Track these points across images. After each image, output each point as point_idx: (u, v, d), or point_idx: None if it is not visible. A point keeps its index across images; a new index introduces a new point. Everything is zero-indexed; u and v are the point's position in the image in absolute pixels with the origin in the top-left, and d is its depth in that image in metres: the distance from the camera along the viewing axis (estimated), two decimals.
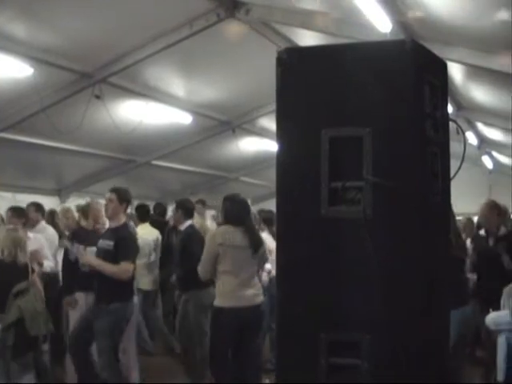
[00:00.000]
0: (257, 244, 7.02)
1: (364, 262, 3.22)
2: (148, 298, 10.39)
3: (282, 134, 3.53)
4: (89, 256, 7.46)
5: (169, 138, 16.63)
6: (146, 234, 10.28)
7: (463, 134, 3.75)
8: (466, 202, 7.41)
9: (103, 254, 7.35)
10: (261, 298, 7.10)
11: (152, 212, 12.29)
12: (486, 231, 8.95)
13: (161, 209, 12.85)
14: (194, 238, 8.57)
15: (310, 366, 3.40)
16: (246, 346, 7.13)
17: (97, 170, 17.59)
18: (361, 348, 3.31)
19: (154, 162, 18.29)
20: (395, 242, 3.27)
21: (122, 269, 7.24)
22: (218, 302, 6.93)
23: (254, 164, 21.10)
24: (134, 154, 17.44)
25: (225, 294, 6.89)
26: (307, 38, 11.70)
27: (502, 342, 5.49)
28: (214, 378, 7.21)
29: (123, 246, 7.35)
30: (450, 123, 3.77)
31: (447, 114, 3.73)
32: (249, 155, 19.88)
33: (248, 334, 7.06)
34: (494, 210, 8.65)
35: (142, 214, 11.10)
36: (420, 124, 3.34)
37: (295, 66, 3.51)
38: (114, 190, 7.61)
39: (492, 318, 5.61)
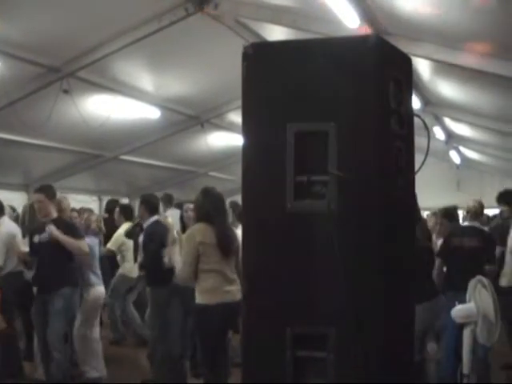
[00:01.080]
0: (227, 243, 6.98)
1: (329, 255, 3.24)
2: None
3: (247, 129, 3.55)
4: (56, 232, 7.68)
5: (137, 132, 16.58)
6: None
7: (427, 129, 3.78)
8: (434, 197, 7.47)
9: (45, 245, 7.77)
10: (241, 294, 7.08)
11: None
12: None
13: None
14: (155, 235, 8.53)
15: (276, 359, 3.42)
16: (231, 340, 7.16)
17: (65, 164, 17.47)
18: (327, 341, 3.33)
19: (123, 157, 18.23)
20: (360, 236, 3.30)
21: (82, 244, 7.85)
22: (202, 300, 6.82)
23: (223, 159, 21.09)
24: (102, 148, 17.37)
25: (210, 291, 6.77)
26: (276, 33, 11.71)
27: (467, 334, 5.52)
28: (207, 377, 7.17)
29: (69, 230, 7.85)
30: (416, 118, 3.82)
31: (412, 109, 3.76)
32: (218, 150, 19.87)
33: (234, 329, 7.04)
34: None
35: (127, 214, 11.08)
36: (384, 119, 3.37)
37: (261, 61, 3.52)
38: (41, 190, 7.99)
39: (458, 310, 5.63)
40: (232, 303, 6.76)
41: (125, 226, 10.55)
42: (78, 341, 8.45)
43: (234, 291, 6.83)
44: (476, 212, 8.64)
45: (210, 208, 6.93)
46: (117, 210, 11.27)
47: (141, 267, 8.58)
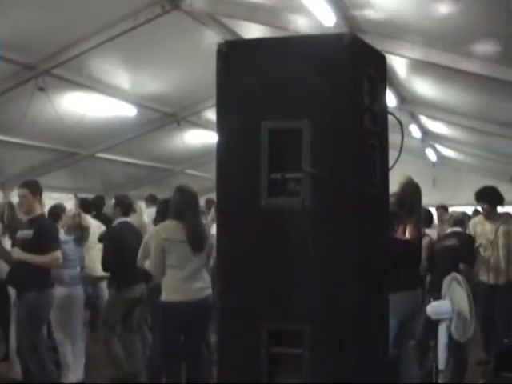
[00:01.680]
0: (197, 240, 6.99)
1: (304, 252, 3.26)
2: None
3: (221, 126, 3.55)
4: (17, 253, 7.56)
5: (113, 130, 16.50)
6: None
7: (401, 126, 3.80)
8: None
9: (21, 243, 7.53)
10: (209, 291, 7.06)
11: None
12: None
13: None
14: (120, 234, 8.53)
15: (251, 355, 3.43)
16: (196, 339, 7.13)
17: (41, 162, 17.34)
18: (302, 337, 3.35)
19: (99, 155, 18.13)
20: (334, 233, 3.32)
21: (53, 257, 7.50)
22: (164, 297, 6.89)
23: (199, 156, 21.02)
24: (78, 146, 17.26)
25: (171, 288, 6.85)
26: (252, 31, 11.70)
27: (442, 330, 5.57)
28: (167, 373, 7.17)
29: (46, 236, 7.58)
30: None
31: (386, 106, 3.78)
32: (194, 148, 19.81)
33: (197, 327, 7.04)
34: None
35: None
36: (358, 116, 3.39)
37: (235, 59, 3.53)
38: (25, 185, 7.79)
39: (433, 307, 5.68)
40: (195, 301, 6.76)
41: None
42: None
43: (197, 289, 6.83)
44: (459, 219, 8.97)
45: (182, 205, 6.96)
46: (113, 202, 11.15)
47: (103, 268, 8.57)
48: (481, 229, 9.61)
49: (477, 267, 9.15)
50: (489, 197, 9.39)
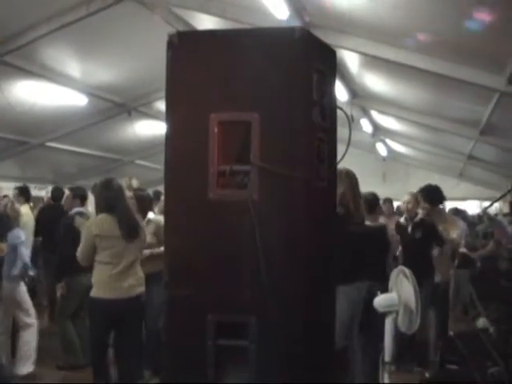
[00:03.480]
0: (131, 231, 6.89)
1: (251, 244, 3.27)
2: None
3: (171, 118, 3.54)
4: None
5: (64, 119, 16.39)
6: None
7: (349, 120, 3.83)
8: (361, 188, 7.52)
9: None
10: (140, 289, 6.94)
11: (49, 195, 12.15)
12: (406, 219, 9.45)
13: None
14: (72, 226, 8.48)
15: (198, 347, 3.43)
16: (126, 337, 7.03)
17: None
18: (248, 329, 3.35)
19: (49, 144, 17.98)
20: (281, 226, 3.33)
21: None
22: (93, 293, 6.74)
23: (150, 147, 20.96)
24: (27, 135, 17.11)
25: (100, 284, 6.70)
26: (206, 23, 11.70)
27: (389, 323, 5.63)
28: (93, 369, 7.10)
29: None
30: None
31: (335, 101, 3.81)
32: (145, 138, 19.77)
33: (127, 325, 6.93)
34: (416, 201, 9.42)
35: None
36: (307, 110, 3.40)
37: (186, 50, 3.52)
38: None
39: (380, 300, 5.74)
40: (124, 299, 6.70)
41: None
42: None
43: (126, 287, 6.73)
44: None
45: (111, 199, 6.87)
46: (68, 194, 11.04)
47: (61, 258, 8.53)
48: None
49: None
50: (430, 196, 9.52)
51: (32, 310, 8.53)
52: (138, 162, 22.46)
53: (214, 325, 3.40)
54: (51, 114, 15.54)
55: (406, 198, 9.55)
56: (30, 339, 8.42)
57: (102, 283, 6.69)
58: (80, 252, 6.83)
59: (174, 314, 3.57)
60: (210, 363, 3.41)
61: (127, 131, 18.56)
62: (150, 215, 8.34)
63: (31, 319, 8.47)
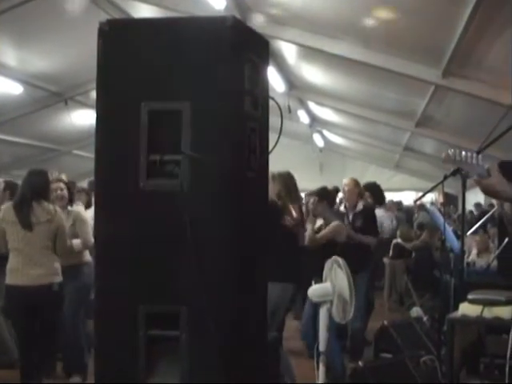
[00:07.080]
0: (23, 219, 6.76)
1: (181, 234, 3.26)
2: None
3: (101, 107, 3.53)
4: None
5: None
6: None
7: (281, 111, 3.83)
8: (297, 179, 7.57)
9: None
10: (53, 279, 6.86)
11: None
12: (345, 207, 9.48)
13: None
14: None
15: (129, 338, 3.42)
16: (43, 326, 6.92)
17: None
18: (179, 320, 3.35)
19: None
20: (211, 216, 3.33)
21: None
22: (6, 280, 6.79)
23: (88, 137, 20.63)
24: None
25: (10, 271, 6.73)
26: (144, 12, 11.63)
27: (323, 313, 5.66)
28: (20, 366, 7.06)
29: None
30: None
31: (267, 91, 3.81)
32: (82, 128, 19.48)
33: (42, 315, 6.86)
34: (357, 187, 9.48)
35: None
36: (238, 100, 3.41)
37: (117, 38, 3.49)
38: None
39: (314, 290, 5.77)
40: (34, 287, 6.66)
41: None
42: None
43: (36, 275, 6.69)
44: None
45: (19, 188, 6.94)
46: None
47: None
48: None
49: None
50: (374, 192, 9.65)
51: None
52: (75, 152, 22.19)
53: (145, 316, 3.38)
54: None
55: (345, 181, 9.53)
56: None
57: (13, 270, 6.71)
58: None
59: (105, 304, 3.54)
60: (141, 353, 3.40)
61: (64, 121, 18.30)
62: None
63: None
